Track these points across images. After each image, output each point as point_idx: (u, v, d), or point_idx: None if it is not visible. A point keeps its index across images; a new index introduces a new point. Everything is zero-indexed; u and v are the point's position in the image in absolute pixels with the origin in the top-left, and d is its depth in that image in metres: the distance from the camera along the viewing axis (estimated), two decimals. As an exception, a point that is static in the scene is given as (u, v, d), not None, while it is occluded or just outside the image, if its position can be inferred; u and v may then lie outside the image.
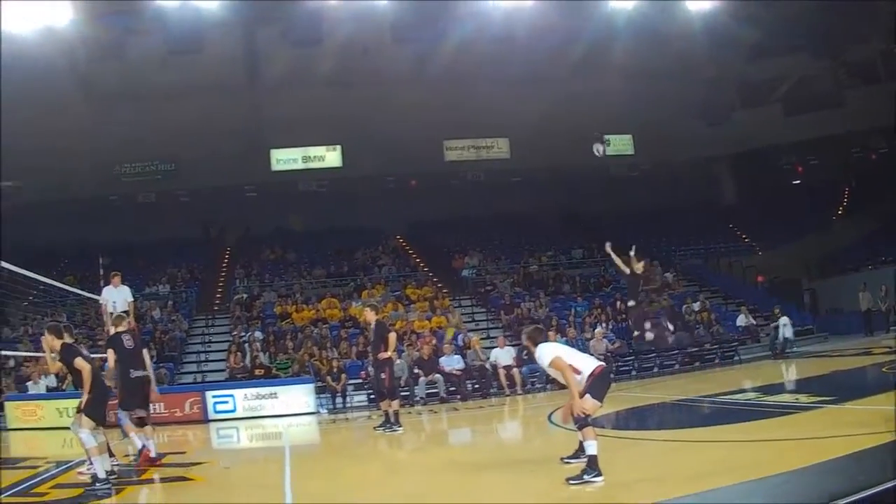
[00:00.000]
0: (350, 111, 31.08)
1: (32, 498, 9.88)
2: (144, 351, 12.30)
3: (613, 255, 18.52)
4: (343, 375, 22.05)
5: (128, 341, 11.88)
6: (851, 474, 7.18)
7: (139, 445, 11.79)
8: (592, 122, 33.84)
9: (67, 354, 10.02)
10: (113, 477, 10.10)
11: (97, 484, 9.53)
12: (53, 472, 11.72)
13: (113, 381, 11.99)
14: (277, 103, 31.48)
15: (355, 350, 23.89)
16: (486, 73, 29.91)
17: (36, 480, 10.95)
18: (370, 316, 15.37)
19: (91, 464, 9.77)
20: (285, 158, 35.08)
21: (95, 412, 9.82)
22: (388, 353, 14.75)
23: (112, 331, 12.49)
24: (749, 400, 14.77)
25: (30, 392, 21.59)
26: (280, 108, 31.54)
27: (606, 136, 36.06)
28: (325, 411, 20.95)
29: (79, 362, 9.85)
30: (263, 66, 30.42)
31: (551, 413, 14.67)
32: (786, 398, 14.41)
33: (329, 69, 29.39)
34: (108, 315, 14.65)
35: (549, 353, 8.80)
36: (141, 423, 11.99)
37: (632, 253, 18.45)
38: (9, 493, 10.01)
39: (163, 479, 10.90)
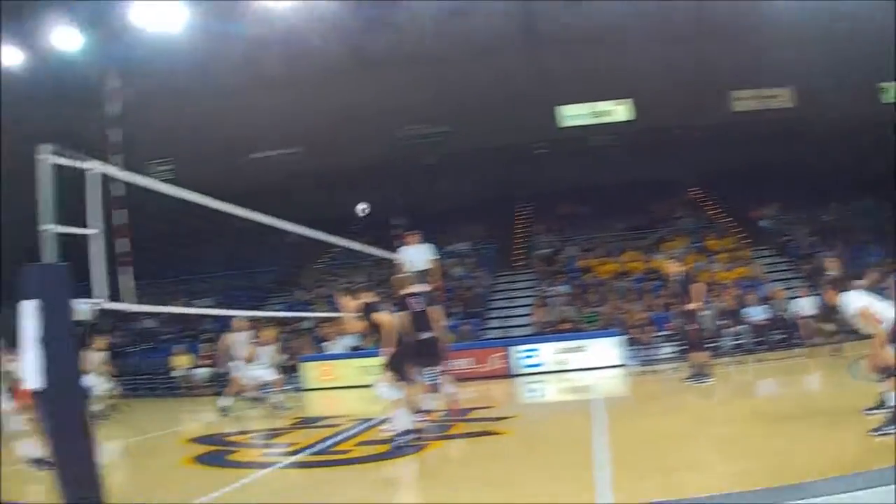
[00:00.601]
0: (637, 64, 29.66)
1: (334, 455, 9.95)
2: (436, 310, 11.76)
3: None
4: (650, 327, 21.42)
5: (415, 303, 11.44)
6: None
7: (426, 407, 11.49)
8: (879, 70, 30.32)
9: (367, 310, 10.07)
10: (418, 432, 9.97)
11: (401, 438, 9.46)
12: (357, 429, 11.84)
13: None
14: (561, 60, 30.58)
15: (661, 302, 22.82)
16: (772, 23, 27.50)
17: (338, 438, 11.08)
18: (674, 268, 15.20)
19: (395, 419, 9.69)
20: (573, 114, 34.27)
21: (396, 367, 9.85)
22: (695, 305, 14.46)
23: (401, 292, 12.11)
24: None
25: (326, 352, 22.24)
26: (564, 64, 30.63)
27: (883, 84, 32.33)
28: (634, 363, 20.26)
29: (377, 316, 9.94)
30: (541, 23, 29.58)
31: (853, 363, 13.47)
32: None
33: (609, 23, 28.05)
34: (406, 275, 14.40)
35: (853, 302, 8.57)
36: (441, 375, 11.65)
37: None
38: (309, 451, 10.22)
39: (469, 434, 10.75)
